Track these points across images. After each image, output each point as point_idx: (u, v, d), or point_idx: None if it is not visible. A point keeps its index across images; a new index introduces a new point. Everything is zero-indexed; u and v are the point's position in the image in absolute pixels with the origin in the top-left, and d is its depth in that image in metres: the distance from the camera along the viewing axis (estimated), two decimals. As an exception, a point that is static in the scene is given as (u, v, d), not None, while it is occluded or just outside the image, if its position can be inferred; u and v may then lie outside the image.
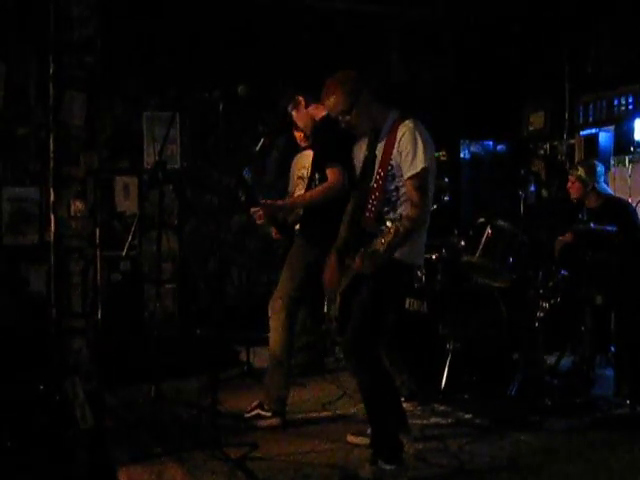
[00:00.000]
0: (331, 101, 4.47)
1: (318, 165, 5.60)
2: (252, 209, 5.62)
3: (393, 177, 4.41)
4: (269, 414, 5.45)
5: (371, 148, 4.57)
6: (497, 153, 9.73)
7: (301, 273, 5.49)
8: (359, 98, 4.45)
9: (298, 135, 6.17)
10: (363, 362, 4.39)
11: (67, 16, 5.13)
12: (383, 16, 9.19)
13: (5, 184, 7.88)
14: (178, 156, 8.79)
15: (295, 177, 6.25)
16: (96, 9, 5.23)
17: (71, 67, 5.25)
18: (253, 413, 5.48)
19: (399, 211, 4.39)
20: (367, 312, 4.36)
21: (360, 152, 4.69)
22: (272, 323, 5.54)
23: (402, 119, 4.45)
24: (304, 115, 5.75)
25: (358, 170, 4.71)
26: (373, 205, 4.39)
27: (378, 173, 4.40)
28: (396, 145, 4.38)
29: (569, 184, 6.81)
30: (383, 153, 4.44)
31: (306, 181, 5.97)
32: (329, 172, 5.40)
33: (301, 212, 5.80)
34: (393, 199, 4.42)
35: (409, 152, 4.33)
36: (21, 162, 8.00)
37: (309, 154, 6.07)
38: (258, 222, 5.75)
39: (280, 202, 5.83)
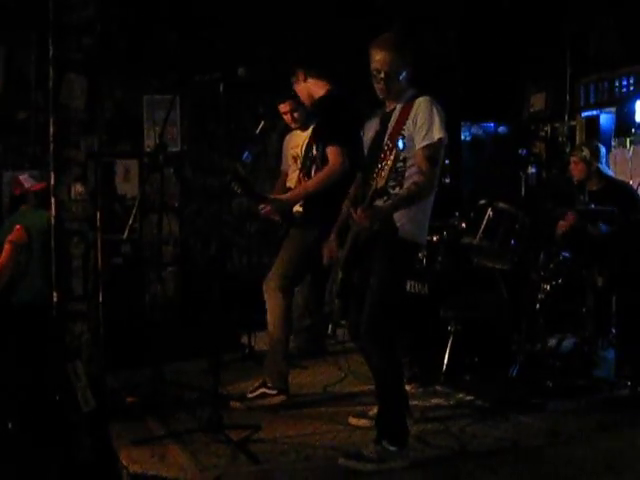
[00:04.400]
0: (382, 55, 4.42)
1: (319, 144, 5.62)
2: (260, 206, 5.65)
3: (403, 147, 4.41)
4: (274, 392, 5.48)
5: (383, 123, 4.57)
6: (498, 135, 9.71)
7: (298, 254, 5.54)
8: (407, 68, 4.46)
9: (287, 118, 6.16)
10: (379, 344, 4.40)
11: (66, -2, 5.12)
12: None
13: (5, 168, 7.88)
14: (178, 139, 8.78)
15: (289, 157, 6.23)
16: (96, -9, 5.22)
17: (71, 50, 5.22)
18: (257, 392, 5.50)
19: (405, 186, 4.40)
20: (380, 294, 4.37)
21: (371, 129, 4.69)
22: (268, 304, 5.58)
23: (419, 95, 4.47)
24: (302, 88, 5.75)
25: (367, 147, 4.70)
26: (379, 175, 4.39)
27: (387, 144, 4.39)
28: (411, 115, 4.39)
29: (572, 165, 6.80)
30: (395, 124, 4.44)
31: (300, 160, 5.97)
32: (329, 152, 5.43)
33: None
34: (400, 171, 4.39)
35: (425, 122, 4.34)
36: (21, 146, 8.01)
37: (301, 133, 6.07)
38: (270, 216, 5.78)
39: (285, 196, 5.79)
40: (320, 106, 5.67)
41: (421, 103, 4.41)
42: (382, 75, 4.43)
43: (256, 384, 5.55)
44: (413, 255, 4.69)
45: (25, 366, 5.06)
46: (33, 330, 5.35)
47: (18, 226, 5.54)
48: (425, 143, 4.33)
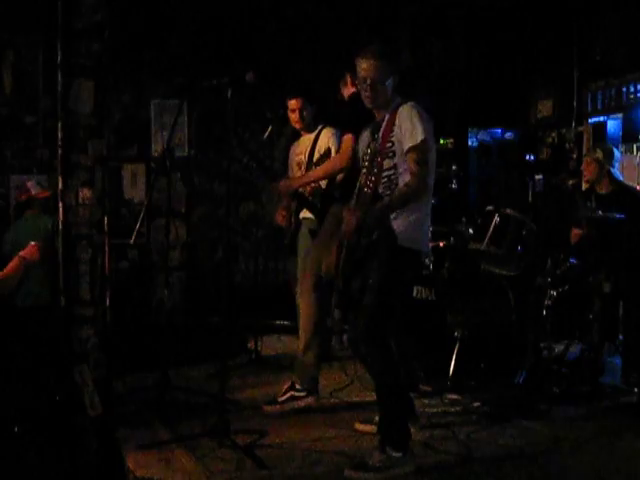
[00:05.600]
0: (369, 64, 4.50)
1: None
2: (272, 184, 5.62)
3: (393, 154, 4.46)
4: (303, 394, 5.48)
5: (373, 133, 4.62)
6: (505, 141, 9.70)
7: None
8: (392, 76, 4.53)
9: (294, 116, 6.13)
10: (375, 349, 4.41)
11: (75, 3, 5.12)
12: (392, 2, 9.16)
13: (13, 172, 7.91)
14: (186, 144, 8.80)
15: (294, 164, 6.23)
16: (104, -4, 5.23)
17: (79, 55, 5.23)
18: (287, 396, 5.50)
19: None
20: (376, 299, 4.39)
21: (363, 141, 4.74)
22: (302, 306, 5.58)
23: (403, 102, 4.53)
24: (348, 92, 5.74)
25: (360, 158, 4.74)
26: (370, 181, 4.40)
27: (376, 151, 4.45)
28: (396, 122, 4.46)
29: (584, 165, 6.80)
30: (383, 133, 4.51)
31: (304, 166, 5.96)
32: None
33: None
34: (392, 178, 4.47)
35: (408, 127, 4.41)
36: (29, 150, 8.03)
37: (306, 139, 6.06)
38: (284, 197, 5.76)
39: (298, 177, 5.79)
40: None
41: (404, 110, 4.48)
42: (369, 82, 4.50)
43: (285, 387, 5.55)
44: (413, 262, 4.66)
45: (29, 368, 5.07)
46: (36, 332, 5.36)
47: (33, 243, 5.56)
48: (410, 145, 4.40)
